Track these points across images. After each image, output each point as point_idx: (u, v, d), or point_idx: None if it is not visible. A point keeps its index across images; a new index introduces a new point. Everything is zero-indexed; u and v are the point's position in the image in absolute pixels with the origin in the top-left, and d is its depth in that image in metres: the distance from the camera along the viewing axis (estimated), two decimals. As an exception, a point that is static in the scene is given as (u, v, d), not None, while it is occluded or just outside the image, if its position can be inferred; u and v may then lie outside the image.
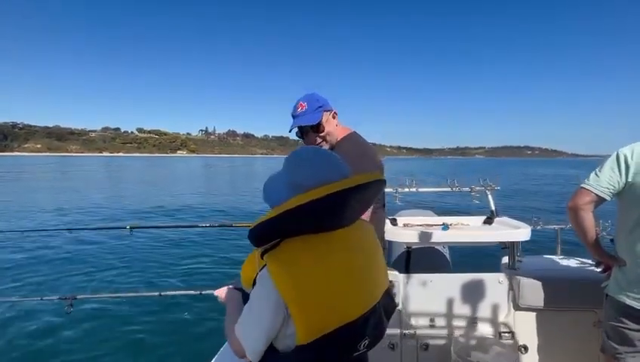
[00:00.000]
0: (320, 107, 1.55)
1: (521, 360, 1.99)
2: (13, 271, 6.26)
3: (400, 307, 2.02)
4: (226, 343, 1.73)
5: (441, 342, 2.02)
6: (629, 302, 1.46)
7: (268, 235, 0.83)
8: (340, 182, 0.79)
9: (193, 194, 19.70)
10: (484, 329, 2.02)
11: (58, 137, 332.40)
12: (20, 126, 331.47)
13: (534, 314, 1.99)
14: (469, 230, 2.20)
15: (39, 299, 2.32)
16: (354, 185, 0.79)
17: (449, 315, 2.03)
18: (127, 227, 2.57)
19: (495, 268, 2.17)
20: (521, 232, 1.98)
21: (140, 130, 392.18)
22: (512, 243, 2.06)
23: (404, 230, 2.20)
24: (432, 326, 2.03)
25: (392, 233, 2.06)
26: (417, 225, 2.33)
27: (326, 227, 0.84)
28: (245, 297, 1.04)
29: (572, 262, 2.15)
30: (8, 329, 4.17)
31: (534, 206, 13.77)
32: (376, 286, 0.92)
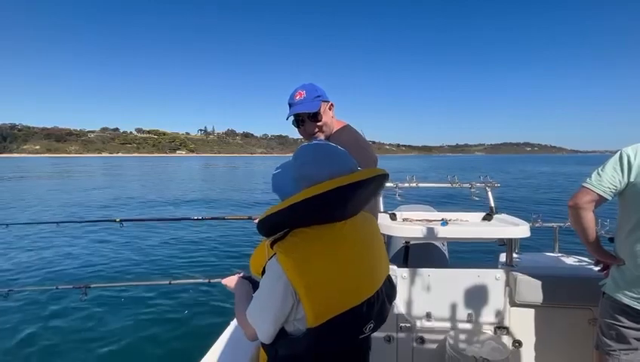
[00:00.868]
0: (318, 96, 1.55)
1: (515, 355, 2.01)
2: (23, 263, 6.49)
3: (397, 300, 2.04)
4: (228, 328, 1.75)
5: (437, 335, 2.04)
6: (625, 300, 1.47)
7: (277, 226, 0.88)
8: (348, 176, 0.83)
9: (193, 192, 19.85)
10: (480, 325, 2.04)
11: (57, 138, 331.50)
12: (19, 127, 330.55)
13: (530, 310, 2.01)
14: (468, 226, 2.21)
15: (55, 287, 2.42)
16: (361, 178, 0.84)
17: (445, 310, 2.05)
18: (117, 220, 2.57)
19: (493, 264, 2.18)
20: (519, 229, 1.99)
21: (138, 130, 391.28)
22: (511, 240, 2.07)
23: (404, 225, 2.22)
24: (428, 320, 2.05)
25: (391, 228, 2.08)
26: (416, 220, 2.34)
27: (332, 218, 0.89)
28: (254, 285, 1.10)
29: (569, 260, 2.16)
30: (27, 316, 4.42)
31: (533, 203, 13.81)
32: (379, 272, 0.97)
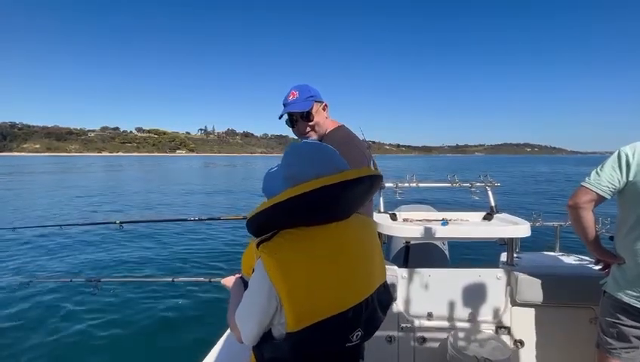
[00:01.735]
0: (311, 97, 1.56)
1: (517, 355, 2.01)
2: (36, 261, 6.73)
3: (398, 301, 2.03)
4: (225, 333, 1.75)
5: (438, 335, 2.03)
6: (626, 299, 1.47)
7: (265, 226, 0.85)
8: (333, 175, 0.79)
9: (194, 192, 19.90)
10: (481, 324, 2.03)
11: (57, 137, 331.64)
12: (19, 126, 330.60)
13: (531, 309, 2.01)
14: (469, 226, 2.20)
15: (69, 280, 2.61)
16: (348, 178, 0.80)
17: (446, 309, 2.04)
18: (117, 221, 2.59)
19: (493, 263, 2.17)
20: (520, 229, 1.98)
21: (139, 130, 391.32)
22: (511, 239, 2.06)
23: (404, 225, 2.21)
24: (429, 320, 2.04)
25: (391, 228, 2.07)
26: (417, 220, 2.33)
27: (320, 219, 0.86)
28: (246, 286, 1.09)
29: (570, 259, 2.16)
30: (43, 306, 4.71)
31: (534, 203, 13.81)
32: (371, 278, 0.93)
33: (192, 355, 1.69)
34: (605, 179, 1.45)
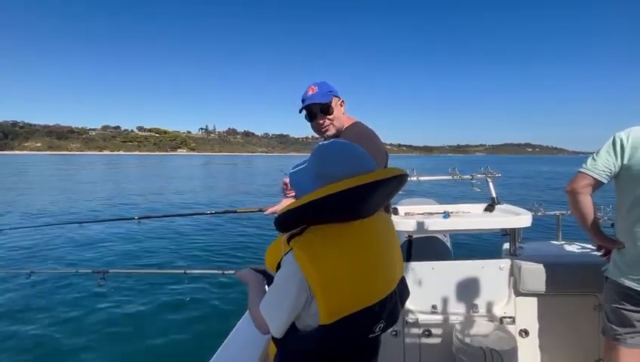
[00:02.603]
0: (330, 91, 1.60)
1: (522, 344, 2.01)
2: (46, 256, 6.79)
3: None
4: (240, 321, 1.76)
5: (443, 328, 2.04)
6: (628, 283, 1.49)
7: (294, 222, 0.88)
8: (367, 175, 0.83)
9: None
10: (486, 315, 2.04)
11: (58, 136, 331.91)
12: (20, 124, 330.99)
13: (535, 299, 2.02)
14: (470, 217, 2.21)
15: (75, 271, 2.47)
16: (380, 178, 0.84)
17: (450, 302, 2.05)
18: (136, 218, 2.66)
19: (496, 254, 2.18)
20: (522, 219, 1.99)
21: (140, 129, 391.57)
22: (513, 229, 2.07)
23: (406, 219, 2.22)
24: (434, 313, 2.05)
25: (393, 222, 2.06)
26: (418, 214, 2.34)
27: (350, 217, 0.89)
28: (268, 279, 1.11)
29: (573, 247, 2.16)
30: (50, 297, 4.72)
31: (535, 195, 13.79)
32: (394, 272, 0.98)
33: (206, 346, 1.70)
34: (601, 163, 1.49)
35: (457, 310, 2.05)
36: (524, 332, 2.03)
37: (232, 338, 1.65)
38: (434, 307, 2.05)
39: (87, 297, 4.69)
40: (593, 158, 1.52)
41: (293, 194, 1.02)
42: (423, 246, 2.67)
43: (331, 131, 1.62)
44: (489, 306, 2.04)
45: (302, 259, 0.82)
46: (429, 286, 2.05)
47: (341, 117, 1.64)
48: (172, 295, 4.75)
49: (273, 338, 0.93)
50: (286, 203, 1.62)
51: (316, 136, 1.76)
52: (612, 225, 1.66)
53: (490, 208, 2.30)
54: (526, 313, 2.03)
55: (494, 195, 2.34)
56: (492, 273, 2.04)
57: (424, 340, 2.05)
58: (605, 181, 1.51)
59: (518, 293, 2.03)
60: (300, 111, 1.64)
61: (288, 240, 0.86)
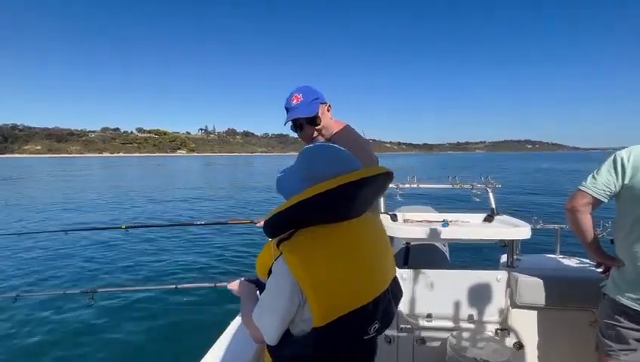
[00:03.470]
0: (316, 99, 1.50)
1: (516, 357, 2.00)
2: (28, 270, 6.50)
3: None
4: (227, 330, 1.71)
5: (438, 336, 2.04)
6: (625, 301, 1.48)
7: (283, 226, 0.87)
8: (353, 173, 0.83)
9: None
10: (481, 326, 2.03)
11: (58, 138, 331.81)
12: (20, 127, 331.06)
13: (531, 312, 2.00)
14: (469, 227, 2.19)
15: (62, 292, 2.37)
16: (364, 176, 0.83)
17: (446, 311, 2.04)
18: (123, 226, 2.55)
19: (494, 265, 2.17)
20: (521, 231, 1.98)
21: (139, 130, 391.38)
22: (512, 241, 2.06)
23: (404, 226, 2.21)
24: (429, 321, 2.04)
25: (391, 228, 2.06)
26: (417, 221, 2.33)
27: (338, 217, 0.88)
28: (260, 287, 1.09)
29: (571, 262, 2.15)
30: (35, 321, 4.44)
31: (534, 203, 13.76)
32: (385, 273, 0.97)
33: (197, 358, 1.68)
34: (601, 182, 1.47)
35: (452, 319, 2.04)
36: (519, 345, 2.02)
37: (216, 347, 1.61)
38: (429, 315, 2.04)
39: (75, 317, 4.51)
40: (593, 177, 1.50)
41: None
42: (421, 254, 2.66)
43: (320, 140, 1.55)
44: (485, 317, 2.03)
45: (292, 261, 0.81)
46: (425, 294, 2.04)
47: (329, 124, 1.56)
48: (163, 310, 4.58)
49: (268, 346, 0.91)
50: None
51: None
52: (611, 241, 1.64)
53: (489, 218, 2.29)
54: (521, 326, 2.02)
55: (494, 206, 2.33)
56: (489, 284, 2.03)
57: (418, 348, 2.04)
58: (605, 200, 1.50)
59: (514, 305, 2.01)
60: (285, 124, 1.55)
61: (278, 244, 0.85)
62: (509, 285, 2.02)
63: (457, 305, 2.03)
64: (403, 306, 2.04)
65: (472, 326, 2.03)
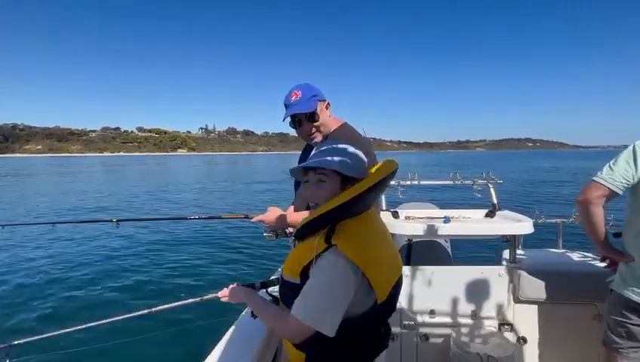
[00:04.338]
0: (314, 96, 1.51)
1: (520, 351, 2.00)
2: None
3: (400, 298, 2.03)
4: (225, 337, 1.52)
5: (441, 333, 2.04)
6: (634, 297, 1.44)
7: (326, 222, 0.92)
8: (388, 166, 0.95)
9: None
10: (484, 321, 2.04)
11: (59, 138, 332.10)
12: (21, 127, 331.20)
13: (534, 306, 2.01)
14: (471, 223, 2.19)
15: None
16: (394, 169, 0.95)
17: (449, 307, 2.05)
18: (114, 220, 2.31)
19: (496, 261, 2.17)
20: (522, 226, 1.97)
21: (139, 129, 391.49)
22: (514, 236, 2.06)
23: (406, 223, 2.21)
24: (432, 318, 2.05)
25: (393, 226, 2.06)
26: (419, 218, 2.33)
27: (364, 209, 0.97)
28: (288, 286, 1.03)
29: (573, 256, 2.15)
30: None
31: (536, 199, 13.72)
32: (397, 250, 1.08)
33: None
34: (619, 173, 1.39)
35: (456, 315, 2.04)
36: (522, 340, 2.02)
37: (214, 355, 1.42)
38: (432, 311, 2.05)
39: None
40: (610, 167, 1.41)
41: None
42: (423, 251, 2.66)
43: (319, 138, 1.56)
44: (488, 312, 2.03)
45: (349, 248, 0.86)
46: (428, 291, 2.04)
47: (327, 121, 1.57)
48: (135, 344, 2.92)
49: (298, 344, 0.92)
50: (273, 211, 1.57)
51: None
52: (614, 234, 1.61)
53: (491, 214, 2.29)
54: (525, 320, 2.02)
55: (495, 201, 2.32)
56: (491, 279, 2.03)
57: (421, 345, 2.04)
58: (621, 193, 1.41)
59: (517, 300, 2.02)
60: (284, 120, 1.56)
61: (326, 239, 0.88)
62: (511, 280, 2.02)
63: (460, 301, 2.03)
64: (406, 303, 2.04)
65: (475, 321, 2.03)
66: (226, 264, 6.42)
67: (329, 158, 0.94)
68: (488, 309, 2.03)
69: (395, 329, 2.02)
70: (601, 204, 1.44)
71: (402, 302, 2.04)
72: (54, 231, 7.43)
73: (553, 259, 2.12)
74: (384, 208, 2.42)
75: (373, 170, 1.00)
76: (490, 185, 2.39)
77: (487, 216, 2.30)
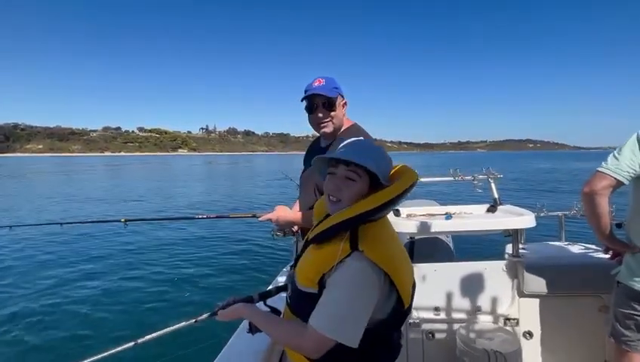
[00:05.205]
0: (336, 88, 1.55)
1: (527, 346, 1.99)
2: None
3: None
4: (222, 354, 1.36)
5: (447, 330, 2.03)
6: None
7: (347, 227, 0.88)
8: (411, 177, 0.94)
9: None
10: (489, 317, 2.03)
11: (59, 137, 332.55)
12: (22, 127, 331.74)
13: (539, 300, 2.00)
14: (473, 218, 2.19)
15: None
16: (414, 181, 0.94)
17: (454, 304, 2.04)
18: (122, 220, 2.36)
19: (499, 256, 2.17)
20: (524, 219, 1.96)
21: (140, 129, 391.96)
22: (516, 230, 2.05)
23: (408, 220, 2.20)
24: (437, 315, 2.04)
25: (395, 224, 2.03)
26: (420, 215, 2.32)
27: (381, 214, 0.94)
28: (299, 295, 0.97)
29: (576, 248, 2.14)
30: None
31: (537, 194, 13.64)
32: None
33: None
34: (625, 163, 1.36)
35: (460, 312, 2.03)
36: (529, 334, 2.01)
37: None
38: (437, 309, 2.04)
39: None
40: (615, 157, 1.38)
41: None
42: (426, 248, 2.65)
43: (329, 129, 1.56)
44: (492, 308, 2.03)
45: (375, 253, 0.83)
46: (432, 288, 2.04)
47: (341, 117, 1.60)
48: None
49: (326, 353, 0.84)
50: (281, 210, 1.58)
51: (316, 134, 1.70)
52: (617, 225, 1.60)
53: (492, 209, 2.28)
54: (530, 314, 2.01)
55: (496, 196, 2.31)
56: (495, 274, 2.02)
57: (427, 342, 2.03)
58: (627, 183, 1.38)
59: (521, 295, 2.01)
60: (302, 100, 1.55)
61: (351, 245, 0.84)
62: (515, 275, 2.01)
63: (464, 297, 2.02)
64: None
65: (480, 317, 2.02)
66: (230, 266, 6.29)
67: (366, 157, 0.88)
68: (493, 305, 2.02)
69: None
70: (607, 194, 1.40)
71: None
72: (62, 232, 7.38)
73: (556, 252, 2.12)
74: None
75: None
76: (491, 180, 2.38)
77: (488, 211, 2.29)
